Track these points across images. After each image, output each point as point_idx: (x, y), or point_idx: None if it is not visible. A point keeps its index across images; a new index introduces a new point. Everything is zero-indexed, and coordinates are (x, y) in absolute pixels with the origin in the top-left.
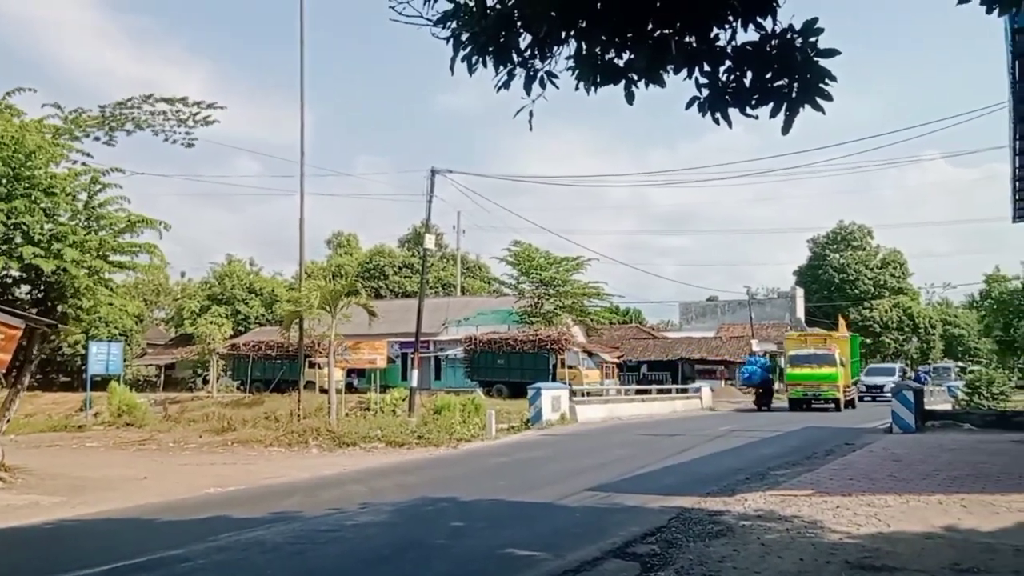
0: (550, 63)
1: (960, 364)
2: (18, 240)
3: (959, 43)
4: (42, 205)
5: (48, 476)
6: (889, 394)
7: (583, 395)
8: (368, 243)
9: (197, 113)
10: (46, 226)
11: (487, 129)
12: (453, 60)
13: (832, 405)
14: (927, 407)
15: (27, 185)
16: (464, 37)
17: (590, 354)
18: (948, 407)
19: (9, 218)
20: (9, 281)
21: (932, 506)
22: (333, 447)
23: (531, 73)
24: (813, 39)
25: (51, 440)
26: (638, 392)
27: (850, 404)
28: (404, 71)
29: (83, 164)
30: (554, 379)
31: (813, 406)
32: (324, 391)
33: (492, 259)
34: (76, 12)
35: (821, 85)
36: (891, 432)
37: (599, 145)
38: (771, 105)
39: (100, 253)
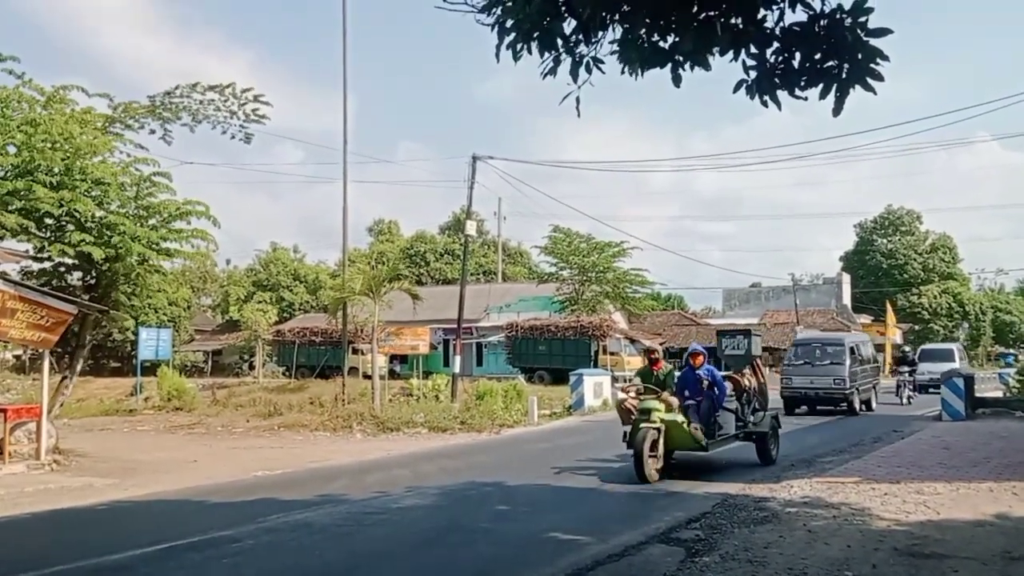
0: (595, 48)
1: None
2: (70, 228)
3: (1011, 19)
4: (92, 194)
5: (101, 459)
6: None
7: (625, 381)
8: (409, 230)
9: (245, 104)
10: (97, 214)
11: (527, 115)
12: (498, 47)
13: None
14: (977, 394)
15: (78, 176)
16: (509, 24)
17: (632, 341)
18: (999, 395)
19: (61, 207)
20: (63, 269)
21: (982, 493)
22: (377, 432)
23: (577, 59)
24: (863, 19)
25: (103, 424)
26: None
27: None
28: (446, 56)
29: (134, 157)
30: (596, 365)
31: None
32: (367, 377)
33: (533, 248)
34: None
35: (872, 65)
36: (940, 420)
37: (641, 130)
38: (820, 87)
39: (151, 241)
